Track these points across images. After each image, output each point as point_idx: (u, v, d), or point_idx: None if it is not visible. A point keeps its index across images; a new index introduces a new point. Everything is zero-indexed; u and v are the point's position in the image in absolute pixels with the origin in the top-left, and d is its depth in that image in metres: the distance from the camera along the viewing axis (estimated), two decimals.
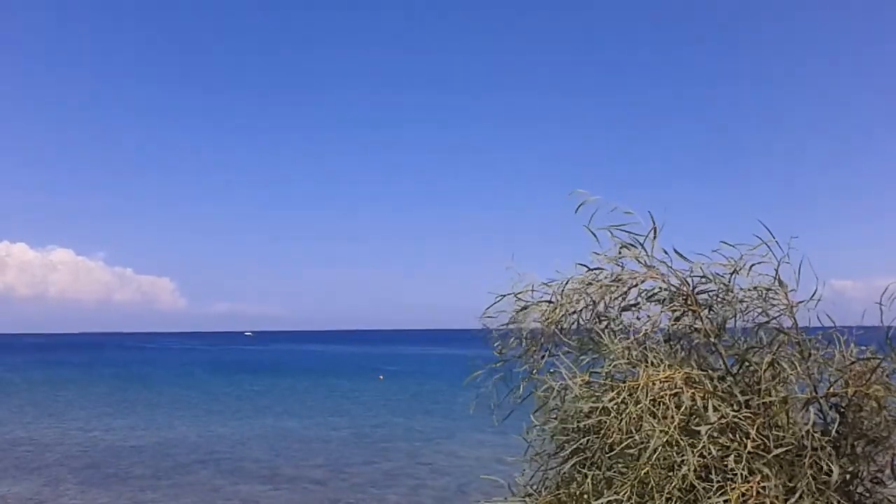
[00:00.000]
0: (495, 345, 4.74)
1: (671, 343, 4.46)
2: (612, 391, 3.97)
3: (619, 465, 3.93)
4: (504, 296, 4.72)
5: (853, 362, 4.05)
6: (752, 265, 4.29)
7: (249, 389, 59.37)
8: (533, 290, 4.68)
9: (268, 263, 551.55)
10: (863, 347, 4.15)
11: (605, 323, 4.53)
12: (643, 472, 3.76)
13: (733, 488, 3.68)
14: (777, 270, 4.25)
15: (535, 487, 4.70)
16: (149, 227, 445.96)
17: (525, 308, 4.64)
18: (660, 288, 4.38)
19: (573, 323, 4.56)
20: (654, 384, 3.90)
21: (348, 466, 26.40)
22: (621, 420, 3.86)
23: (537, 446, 4.75)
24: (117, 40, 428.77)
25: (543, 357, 4.61)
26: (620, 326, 4.48)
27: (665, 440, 3.73)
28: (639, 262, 4.40)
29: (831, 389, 4.09)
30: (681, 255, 4.37)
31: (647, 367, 4.05)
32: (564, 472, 4.32)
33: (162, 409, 44.96)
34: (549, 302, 4.60)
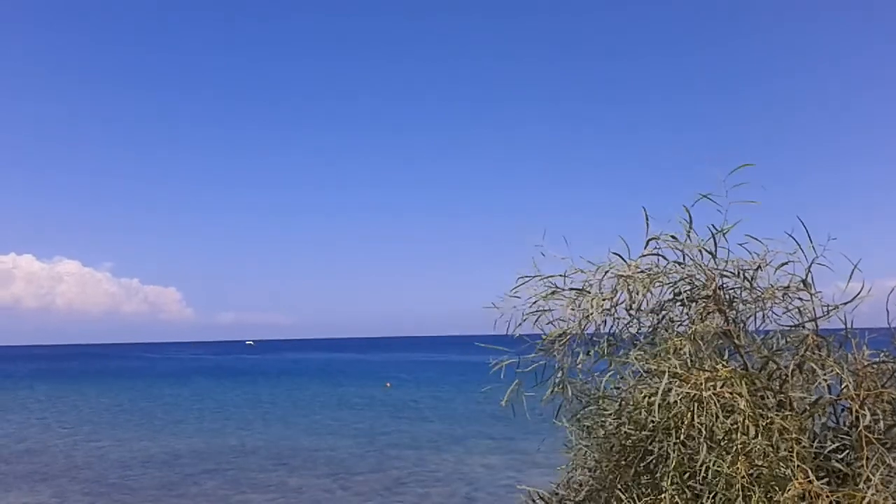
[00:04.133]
0: (518, 335, 4.35)
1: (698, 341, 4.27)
2: (686, 383, 3.79)
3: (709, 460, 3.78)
4: (531, 277, 4.34)
5: (867, 365, 4.00)
6: (782, 265, 4.16)
7: (255, 399, 59.26)
8: (566, 276, 4.33)
9: (273, 272, 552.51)
10: (876, 350, 4.10)
11: (662, 315, 4.28)
12: (735, 467, 3.67)
13: (794, 486, 3.65)
14: (808, 270, 4.13)
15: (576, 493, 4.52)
16: (155, 237, 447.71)
17: (554, 292, 4.30)
18: (693, 284, 4.22)
19: (617, 315, 4.28)
20: (718, 382, 3.81)
21: (355, 475, 26.31)
22: (696, 415, 3.73)
23: (572, 448, 4.57)
24: (122, 49, 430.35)
25: (589, 352, 4.30)
26: (672, 322, 4.27)
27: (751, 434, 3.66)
28: (684, 253, 4.21)
29: (844, 391, 4.04)
30: (710, 252, 4.22)
31: (703, 363, 3.94)
32: (626, 475, 4.13)
33: (167, 420, 44.92)
34: (583, 291, 4.28)
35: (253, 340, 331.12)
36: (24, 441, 35.81)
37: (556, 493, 4.96)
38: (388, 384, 70.00)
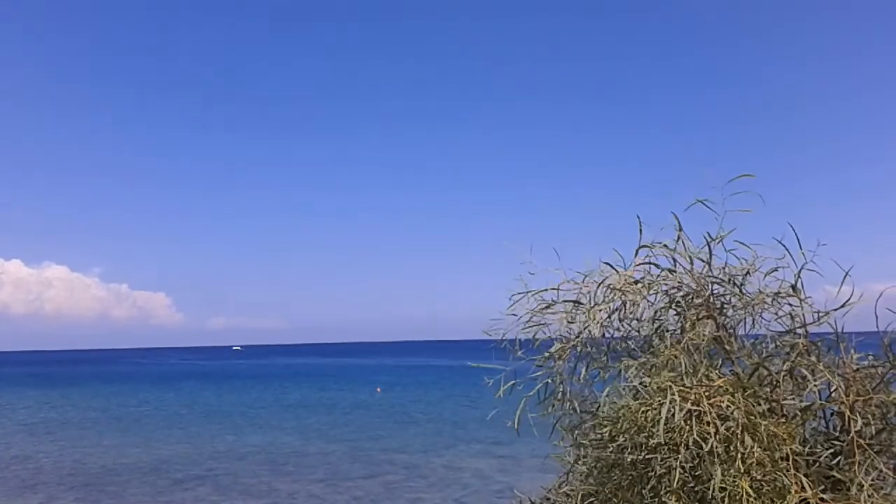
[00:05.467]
0: (518, 352, 4.34)
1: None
2: (687, 399, 3.75)
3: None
4: (524, 294, 4.32)
5: (856, 370, 4.01)
6: (772, 270, 4.17)
7: (244, 403, 59.05)
8: (559, 289, 4.32)
9: (264, 277, 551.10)
10: (864, 354, 4.11)
11: (657, 325, 4.27)
12: (739, 481, 3.67)
13: (793, 496, 3.66)
14: (797, 276, 4.14)
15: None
16: (143, 242, 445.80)
17: (549, 306, 4.29)
18: (685, 291, 4.23)
19: (612, 326, 4.27)
20: (719, 392, 3.81)
21: (347, 480, 26.23)
22: (694, 428, 3.71)
23: (566, 458, 4.56)
24: (113, 51, 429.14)
25: (588, 367, 4.29)
26: (666, 331, 4.26)
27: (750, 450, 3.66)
28: (675, 260, 4.21)
29: (833, 396, 4.05)
30: (702, 260, 4.22)
31: (698, 373, 3.95)
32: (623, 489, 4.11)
33: (156, 425, 44.70)
34: (577, 303, 4.27)
35: (241, 346, 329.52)
36: (12, 447, 35.54)
37: (548, 499, 4.95)
38: (379, 389, 69.81)
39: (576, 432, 4.43)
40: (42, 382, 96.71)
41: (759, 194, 4.13)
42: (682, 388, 3.82)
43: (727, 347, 4.24)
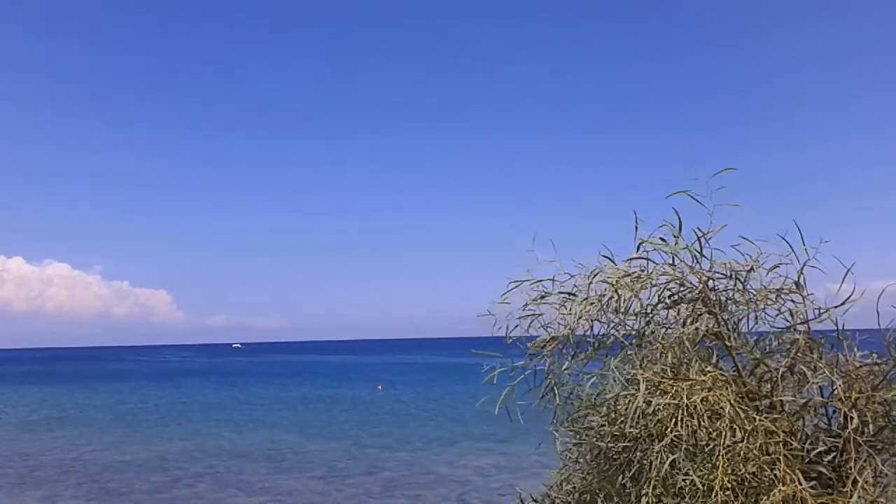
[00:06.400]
0: (511, 340, 4.36)
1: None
2: (667, 393, 3.77)
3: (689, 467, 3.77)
4: (521, 282, 4.35)
5: (858, 367, 4.00)
6: (774, 266, 4.16)
7: (245, 401, 59.10)
8: (554, 280, 4.34)
9: (264, 274, 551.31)
10: (867, 352, 4.10)
11: (649, 318, 4.27)
12: (715, 474, 3.66)
13: (779, 491, 3.65)
14: (800, 272, 4.13)
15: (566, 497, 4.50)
16: (144, 239, 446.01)
17: (544, 297, 4.31)
18: (683, 286, 4.22)
19: (605, 320, 4.28)
20: (703, 388, 3.80)
21: (347, 477, 26.25)
22: (680, 423, 3.71)
23: (564, 452, 4.56)
24: (114, 50, 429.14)
25: (575, 356, 4.29)
26: (660, 325, 4.26)
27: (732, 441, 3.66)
28: (673, 256, 4.20)
29: (835, 394, 4.04)
30: (701, 253, 4.22)
31: (690, 369, 3.94)
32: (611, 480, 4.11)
33: (157, 422, 44.75)
34: (571, 294, 4.29)
35: (242, 343, 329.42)
36: (13, 444, 35.58)
37: (549, 496, 4.94)
38: (380, 387, 69.81)
39: (566, 423, 4.44)
40: (43, 380, 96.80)
41: (749, 189, 4.14)
42: (661, 380, 3.84)
43: (728, 343, 4.22)
